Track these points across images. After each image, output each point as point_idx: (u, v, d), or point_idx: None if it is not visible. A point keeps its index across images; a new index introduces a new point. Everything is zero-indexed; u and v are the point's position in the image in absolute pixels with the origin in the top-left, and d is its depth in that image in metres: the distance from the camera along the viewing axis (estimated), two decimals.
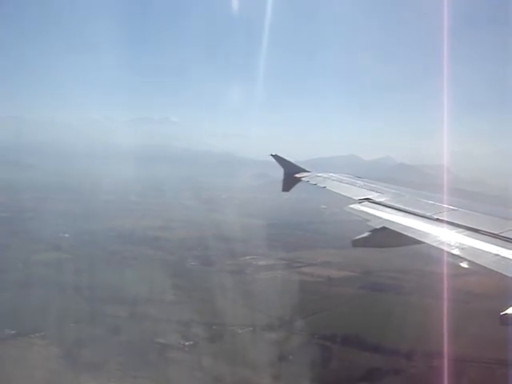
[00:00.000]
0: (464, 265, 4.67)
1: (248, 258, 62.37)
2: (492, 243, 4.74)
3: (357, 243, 6.55)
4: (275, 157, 12.42)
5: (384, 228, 6.28)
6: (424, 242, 5.43)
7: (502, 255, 4.43)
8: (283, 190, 12.31)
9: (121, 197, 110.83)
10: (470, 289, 48.32)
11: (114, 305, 43.35)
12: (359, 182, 9.55)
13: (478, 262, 4.48)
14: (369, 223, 6.69)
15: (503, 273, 4.19)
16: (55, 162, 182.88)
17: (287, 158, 12.54)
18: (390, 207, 7.01)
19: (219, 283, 49.07)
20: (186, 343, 37.76)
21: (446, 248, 4.99)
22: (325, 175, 11.02)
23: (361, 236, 6.56)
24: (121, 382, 32.36)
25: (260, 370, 33.60)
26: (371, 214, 7.00)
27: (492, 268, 4.32)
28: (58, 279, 48.31)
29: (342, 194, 8.84)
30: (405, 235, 5.81)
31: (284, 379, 33.11)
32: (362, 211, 7.30)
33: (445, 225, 5.66)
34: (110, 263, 52.72)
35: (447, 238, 5.22)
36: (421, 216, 6.21)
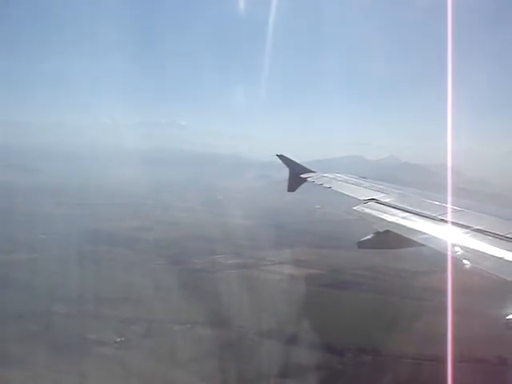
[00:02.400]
0: (466, 266, 4.77)
1: (219, 256, 64.25)
2: (496, 245, 4.84)
3: (362, 245, 6.74)
4: (281, 157, 12.83)
5: (388, 230, 6.43)
6: (426, 245, 5.59)
7: (506, 258, 4.50)
8: (288, 191, 12.69)
9: (120, 199, 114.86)
10: (439, 286, 49.44)
11: (62, 303, 44.59)
12: (365, 183, 9.82)
13: (479, 266, 4.54)
14: (374, 225, 6.85)
15: (505, 277, 4.21)
16: (61, 164, 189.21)
17: (293, 159, 12.82)
18: (395, 208, 7.19)
19: (176, 281, 50.96)
20: (118, 339, 39.32)
21: (448, 250, 5.14)
22: (330, 176, 11.33)
23: (365, 238, 6.76)
24: (38, 376, 33.41)
25: (180, 366, 35.01)
26: (376, 216, 7.16)
27: (494, 272, 4.36)
28: (16, 278, 49.79)
29: (348, 194, 9.11)
30: (408, 237, 5.94)
31: (201, 374, 34.22)
32: (366, 212, 7.47)
33: (449, 226, 5.81)
34: (76, 263, 53.46)
35: (451, 240, 5.38)
36: (425, 217, 6.39)
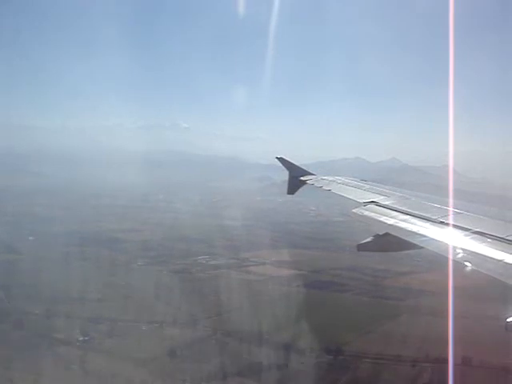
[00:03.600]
0: (466, 269, 4.81)
1: (201, 257, 66.18)
2: (497, 247, 4.93)
3: (362, 248, 6.82)
4: (280, 160, 13.04)
5: (388, 233, 6.49)
6: (426, 248, 5.69)
7: (506, 261, 4.56)
8: (288, 193, 12.95)
9: (118, 201, 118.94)
10: (416, 287, 52.67)
11: (36, 303, 45.44)
12: (365, 185, 9.93)
13: (479, 269, 4.60)
14: (373, 228, 6.92)
15: (506, 281, 4.25)
16: (64, 167, 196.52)
17: (292, 161, 13.16)
18: (394, 210, 7.27)
19: (154, 282, 52.73)
20: (81, 338, 40.47)
21: (447, 253, 5.20)
22: (330, 178, 11.47)
23: (365, 241, 6.84)
24: None
25: (136, 365, 35.95)
26: (375, 218, 7.23)
27: (494, 275, 4.41)
28: None
29: (347, 196, 9.18)
30: (408, 240, 6.01)
31: (156, 373, 35.15)
32: (365, 215, 7.53)
33: (449, 228, 5.93)
34: (56, 264, 54.70)
35: (450, 243, 5.47)
36: (425, 219, 6.51)
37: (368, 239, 6.84)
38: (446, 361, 34.60)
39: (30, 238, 72.83)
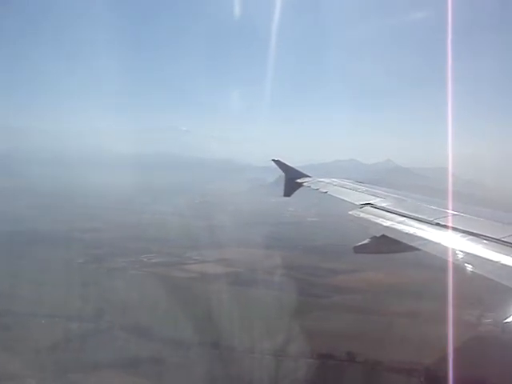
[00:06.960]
0: (463, 270, 5.09)
1: (147, 255, 69.56)
2: (492, 249, 5.21)
3: (358, 250, 7.13)
4: (277, 162, 13.79)
5: (384, 235, 6.80)
6: (422, 249, 6.01)
7: (502, 262, 4.82)
8: (285, 195, 13.70)
9: (101, 203, 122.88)
10: (348, 285, 55.31)
11: None
12: (361, 187, 10.36)
13: (475, 271, 4.85)
14: (369, 230, 7.23)
15: (501, 282, 4.47)
16: (63, 170, 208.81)
17: (288, 164, 13.94)
18: (391, 212, 7.59)
19: (82, 279, 54.49)
20: None
21: (444, 255, 5.51)
22: (326, 180, 12.00)
23: (362, 243, 7.15)
24: None
25: (16, 357, 37.22)
26: (371, 220, 7.56)
27: (490, 276, 4.63)
28: None
29: (344, 199, 9.55)
30: (404, 242, 6.39)
31: (33, 365, 36.49)
32: (361, 217, 7.86)
33: (445, 230, 6.33)
34: None
35: (447, 244, 5.82)
36: (421, 221, 6.96)
37: (365, 241, 7.19)
38: (334, 357, 38.37)
39: None
